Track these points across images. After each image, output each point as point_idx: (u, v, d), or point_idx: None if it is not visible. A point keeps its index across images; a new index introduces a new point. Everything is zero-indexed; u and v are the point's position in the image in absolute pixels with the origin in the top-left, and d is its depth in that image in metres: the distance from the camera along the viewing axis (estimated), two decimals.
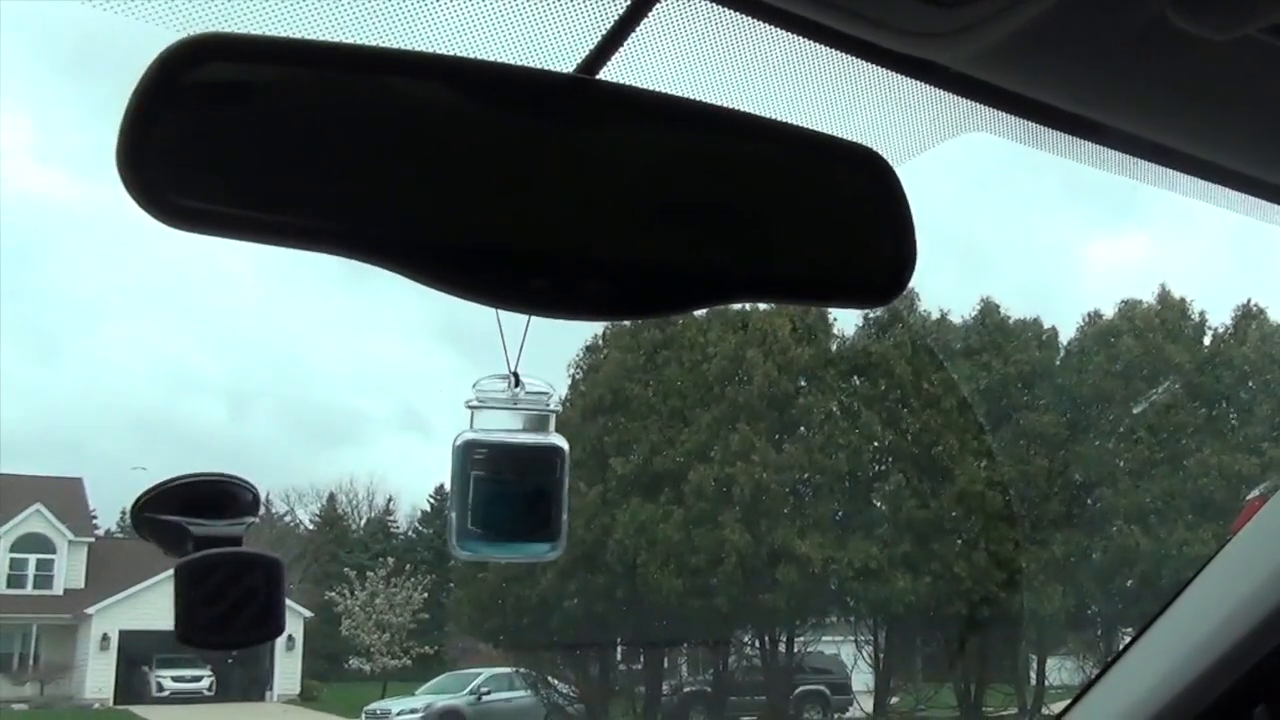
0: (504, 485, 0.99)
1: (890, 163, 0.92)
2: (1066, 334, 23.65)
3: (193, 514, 1.14)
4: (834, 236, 0.95)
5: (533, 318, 0.90)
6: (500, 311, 0.88)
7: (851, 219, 0.94)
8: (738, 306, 23.38)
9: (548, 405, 1.00)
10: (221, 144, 0.78)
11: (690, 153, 0.90)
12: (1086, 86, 0.99)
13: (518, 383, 0.97)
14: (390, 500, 56.07)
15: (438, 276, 0.81)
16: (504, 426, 0.99)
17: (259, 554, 1.13)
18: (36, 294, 55.48)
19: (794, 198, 0.93)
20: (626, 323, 23.30)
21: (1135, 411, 21.55)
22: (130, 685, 35.89)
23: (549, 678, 23.77)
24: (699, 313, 23.32)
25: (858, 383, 22.66)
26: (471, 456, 0.97)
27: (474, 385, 0.97)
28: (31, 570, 39.05)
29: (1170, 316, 22.54)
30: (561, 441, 1.00)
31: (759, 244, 0.92)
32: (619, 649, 24.70)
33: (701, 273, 0.90)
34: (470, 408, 0.98)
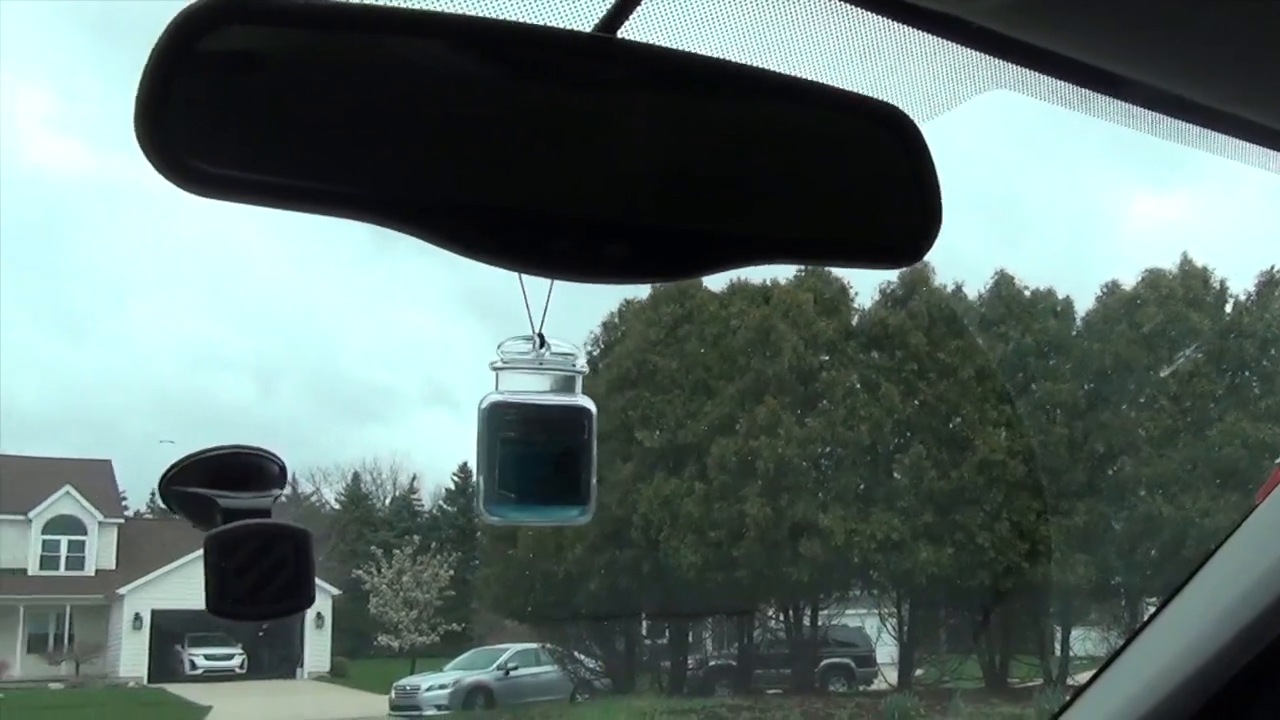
0: (532, 448, 0.97)
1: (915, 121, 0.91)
2: (1086, 302, 23.50)
3: (220, 487, 1.14)
4: (859, 196, 0.94)
5: (556, 281, 0.89)
6: (523, 275, 0.87)
7: (876, 178, 0.93)
8: (759, 279, 23.36)
9: (574, 366, 0.98)
10: (240, 108, 0.78)
11: (711, 111, 0.89)
12: (1112, 40, 0.97)
13: (543, 344, 0.95)
14: (414, 478, 56.39)
15: (458, 240, 0.81)
16: (530, 388, 0.97)
17: (288, 525, 1.13)
18: (62, 272, 55.78)
19: (818, 156, 0.92)
20: (645, 297, 23.31)
21: (1157, 380, 21.41)
22: (163, 664, 36.36)
23: (575, 653, 23.91)
24: (720, 285, 23.33)
25: (877, 356, 22.61)
26: (498, 419, 0.96)
27: (499, 347, 0.96)
28: (63, 552, 39.59)
29: (1192, 284, 22.35)
30: (589, 403, 0.99)
31: (782, 204, 0.91)
32: (644, 623, 24.81)
33: (724, 234, 0.89)
34: (495, 369, 0.96)
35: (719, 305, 23.11)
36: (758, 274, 23.47)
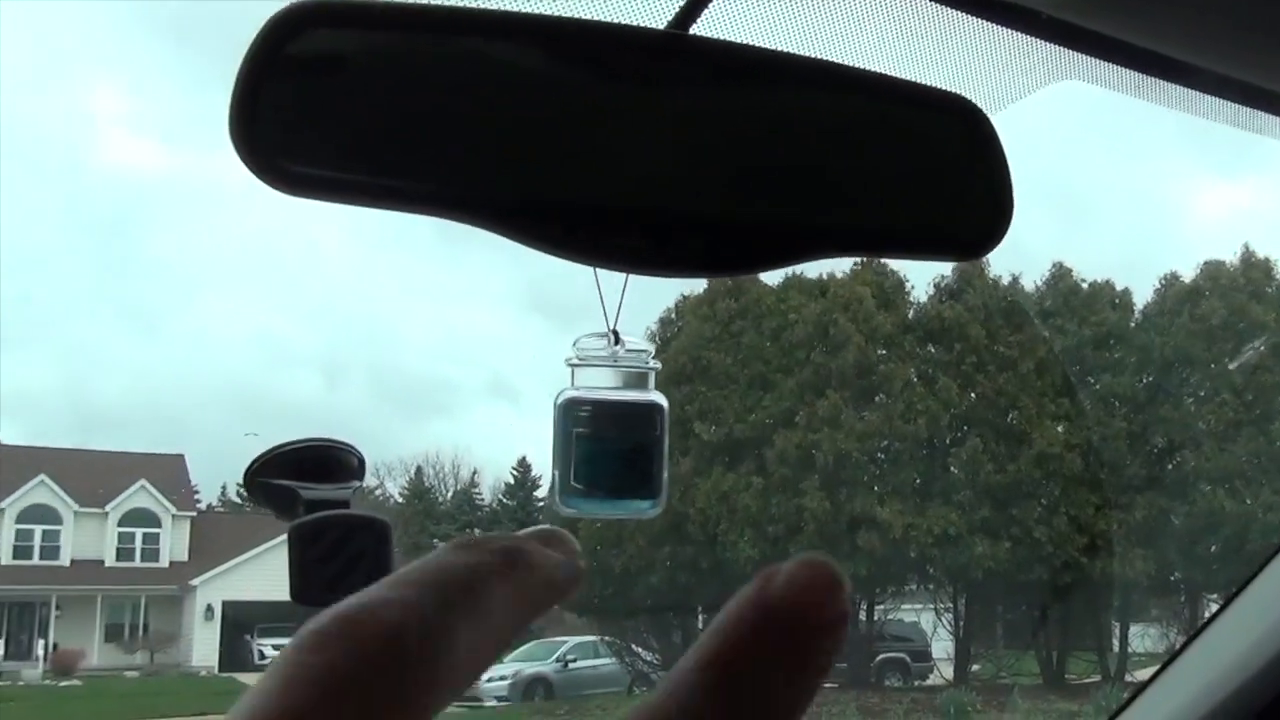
0: (605, 443, 0.99)
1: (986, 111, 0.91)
2: (1146, 294, 23.14)
3: (302, 478, 1.16)
4: (929, 188, 0.94)
5: (630, 277, 0.91)
6: (598, 270, 0.89)
7: (947, 170, 0.94)
8: (815, 273, 23.26)
9: (647, 362, 0.99)
10: (327, 110, 0.80)
11: (783, 105, 0.90)
12: (1182, 27, 0.97)
13: (617, 340, 0.97)
14: (475, 472, 56.84)
15: (538, 236, 0.83)
16: (604, 384, 0.99)
17: (369, 515, 1.15)
18: (138, 270, 56.89)
19: (888, 149, 0.93)
20: (700, 292, 23.30)
21: (1219, 372, 21.03)
22: (233, 653, 37.04)
23: (633, 646, 23.99)
24: (775, 279, 23.26)
25: (934, 349, 22.44)
26: (573, 414, 0.97)
27: (574, 343, 0.97)
28: (139, 544, 40.50)
29: (1254, 275, 21.92)
30: (661, 399, 1.00)
31: (853, 196, 0.92)
32: (701, 617, 24.82)
33: (797, 227, 0.90)
34: (570, 365, 0.98)
35: (775, 300, 23.05)
36: (814, 267, 23.39)
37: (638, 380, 1.00)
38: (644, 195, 0.86)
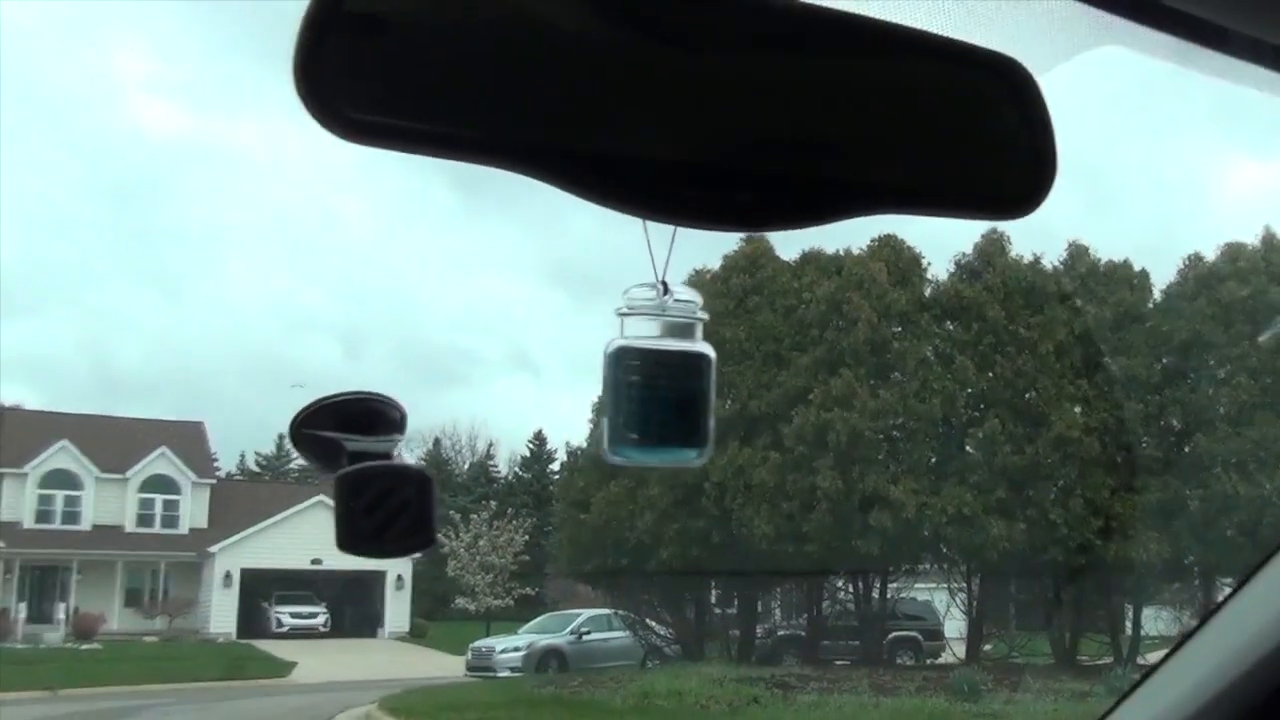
0: (654, 391, 1.00)
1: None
2: (1166, 275, 22.94)
3: (346, 430, 1.18)
4: (974, 147, 0.95)
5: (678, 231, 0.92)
6: (647, 223, 0.91)
7: (992, 129, 0.95)
8: (832, 249, 23.17)
9: (695, 312, 1.01)
10: (387, 61, 0.82)
11: (830, 62, 0.91)
12: None
13: (666, 290, 0.98)
14: (491, 445, 57.15)
15: (593, 189, 0.85)
16: (653, 333, 1.00)
17: (412, 467, 1.17)
18: (161, 235, 56.87)
19: (935, 107, 0.94)
20: (716, 268, 23.23)
21: (1236, 355, 20.85)
22: (251, 620, 37.42)
23: (646, 619, 24.09)
24: (791, 254, 23.21)
25: (952, 327, 22.34)
26: (623, 363, 0.99)
27: (624, 293, 0.99)
28: (158, 510, 40.92)
29: (1275, 258, 21.71)
30: (709, 349, 1.01)
31: (899, 154, 0.93)
32: (714, 592, 24.89)
33: (843, 183, 0.92)
34: (620, 315, 0.99)
35: (790, 276, 22.98)
36: (832, 243, 23.31)
37: (685, 330, 1.01)
38: (693, 150, 0.88)
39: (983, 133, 0.95)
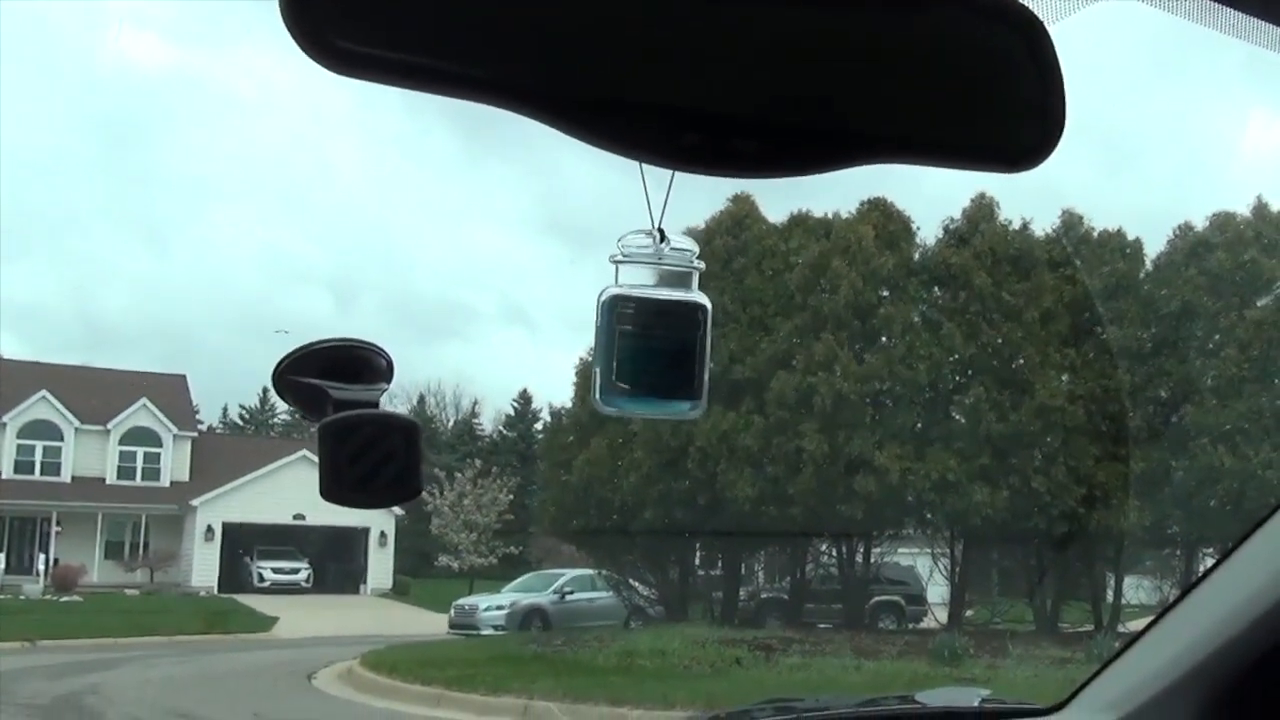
0: (648, 341, 0.98)
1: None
2: (1156, 244, 22.90)
3: (331, 378, 1.15)
4: (982, 98, 0.92)
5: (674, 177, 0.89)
6: (645, 170, 0.88)
7: (1001, 79, 0.92)
8: (820, 212, 23.09)
9: (692, 261, 0.99)
10: None
11: (840, 10, 0.88)
12: None
13: (663, 238, 0.96)
14: (475, 403, 57.14)
15: (591, 130, 0.82)
16: (648, 282, 0.98)
17: (399, 415, 1.14)
18: (143, 177, 55.97)
19: (943, 56, 0.91)
20: (700, 228, 23.12)
21: (1224, 326, 20.88)
22: (233, 575, 37.47)
23: (630, 580, 24.22)
24: (780, 217, 23.12)
25: (939, 293, 22.33)
26: (617, 311, 0.97)
27: (619, 240, 0.96)
28: (139, 463, 40.78)
29: (1265, 229, 21.68)
30: (704, 299, 0.99)
31: (906, 103, 0.90)
32: (698, 554, 25.02)
33: (848, 132, 0.89)
34: (615, 262, 0.97)
35: (778, 238, 22.91)
36: (820, 205, 23.21)
37: (682, 279, 0.99)
38: (697, 95, 0.85)
39: (992, 83, 0.92)
